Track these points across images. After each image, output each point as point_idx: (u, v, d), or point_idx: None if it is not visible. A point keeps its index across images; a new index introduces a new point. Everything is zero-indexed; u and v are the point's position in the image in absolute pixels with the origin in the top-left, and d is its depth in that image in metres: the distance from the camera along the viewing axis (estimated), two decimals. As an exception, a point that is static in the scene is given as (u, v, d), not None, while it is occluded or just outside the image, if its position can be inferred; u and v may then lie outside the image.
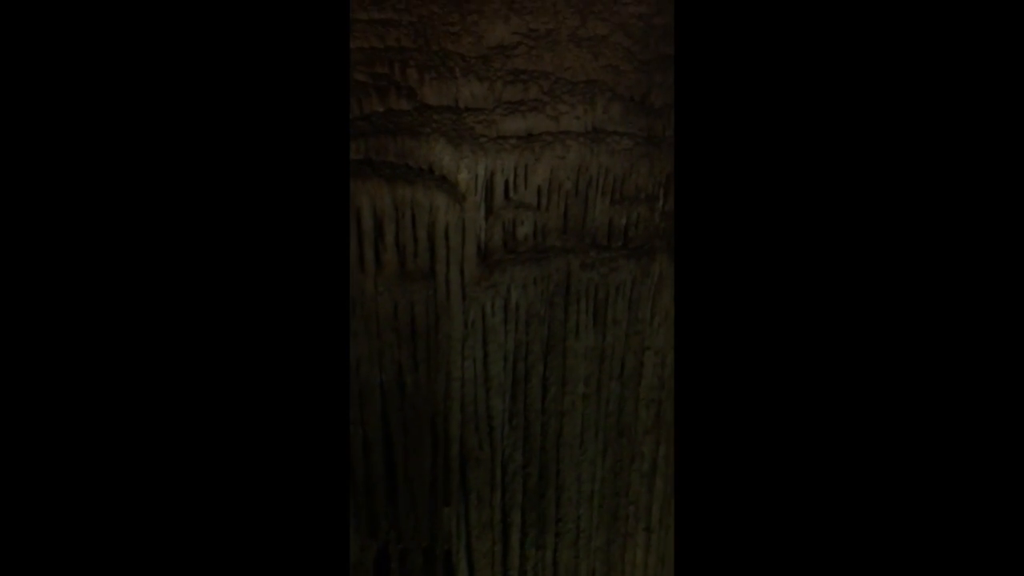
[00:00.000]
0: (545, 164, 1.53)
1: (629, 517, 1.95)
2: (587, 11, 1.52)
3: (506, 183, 1.53)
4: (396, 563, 1.77)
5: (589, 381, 1.81)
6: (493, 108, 1.47)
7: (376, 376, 1.54)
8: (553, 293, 1.65)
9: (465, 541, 1.81)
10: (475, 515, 1.81)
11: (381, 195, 1.40)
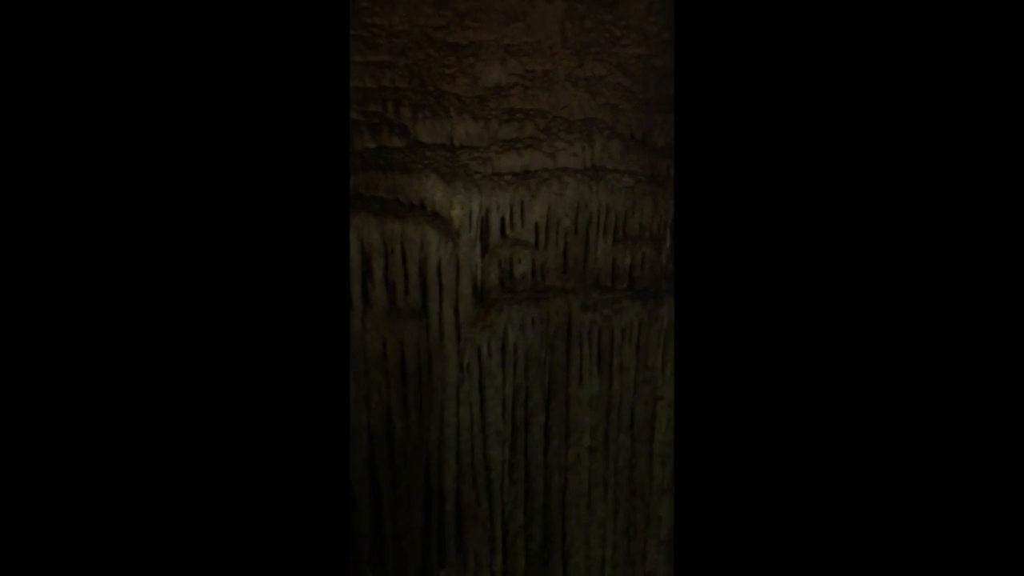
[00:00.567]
0: (542, 201, 1.48)
1: (646, 590, 1.75)
2: (584, 53, 1.52)
3: (502, 220, 1.49)
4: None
5: (595, 433, 1.68)
6: (488, 146, 1.46)
7: (363, 419, 1.47)
8: (553, 336, 1.56)
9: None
10: (473, 581, 1.66)
11: (369, 229, 1.37)
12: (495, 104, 1.46)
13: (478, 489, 1.62)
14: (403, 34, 1.44)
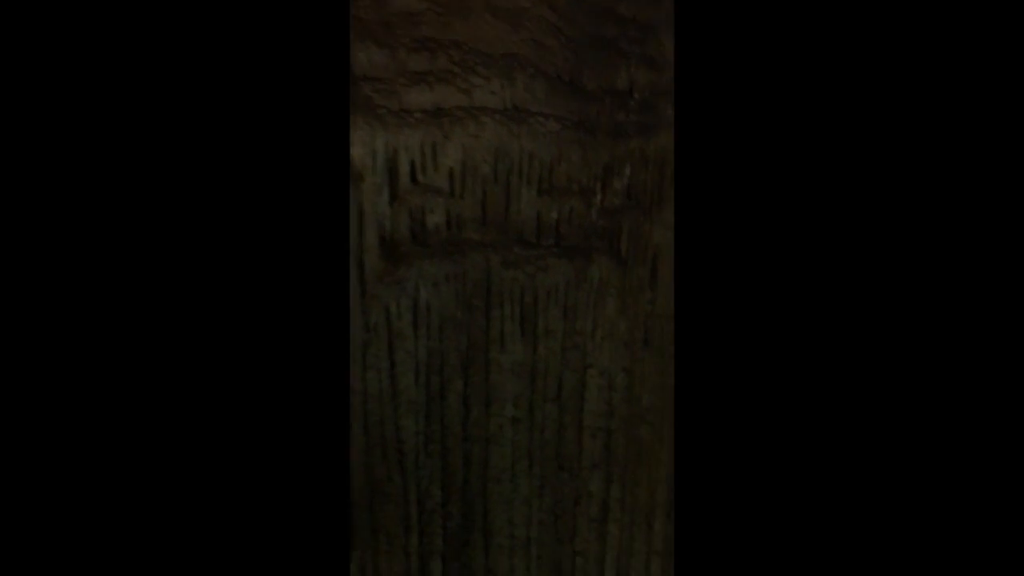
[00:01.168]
0: (457, 143, 1.33)
1: (576, 571, 1.62)
2: (507, -19, 1.37)
3: (412, 164, 1.33)
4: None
5: (519, 402, 1.53)
6: (395, 78, 1.30)
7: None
8: (471, 295, 1.42)
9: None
10: (385, 564, 1.50)
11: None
12: (403, 31, 1.29)
13: (389, 464, 1.46)
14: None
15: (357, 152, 1.27)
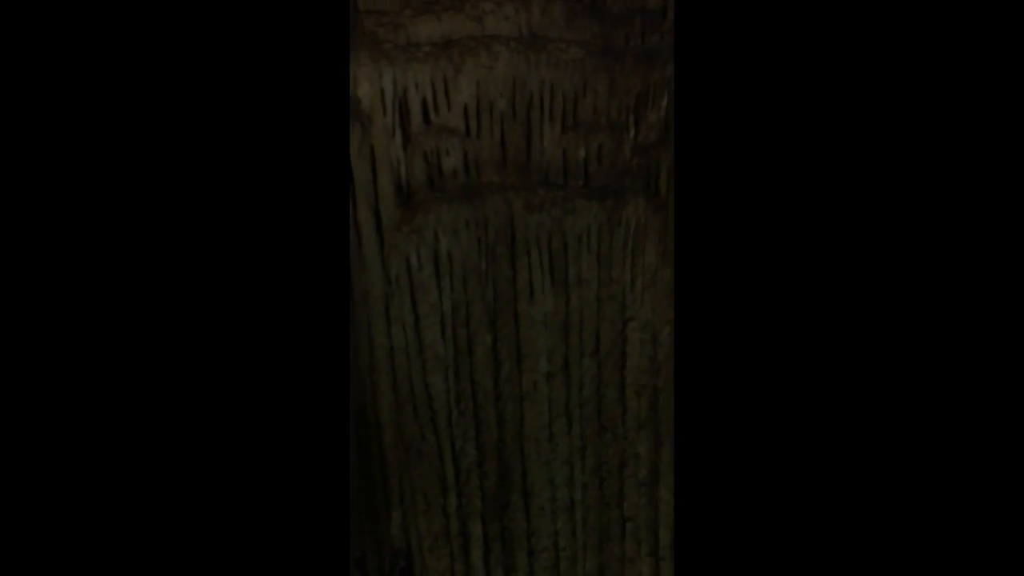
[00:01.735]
0: (469, 77, 1.23)
1: (627, 537, 1.51)
2: None
3: (424, 102, 1.24)
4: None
5: (553, 357, 1.43)
6: (400, 10, 1.21)
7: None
8: (494, 242, 1.32)
9: (417, 556, 1.46)
10: (424, 523, 1.46)
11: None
12: (407, -41, 1.21)
13: (421, 421, 1.41)
14: None
15: (364, 92, 1.20)
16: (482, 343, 1.37)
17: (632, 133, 1.34)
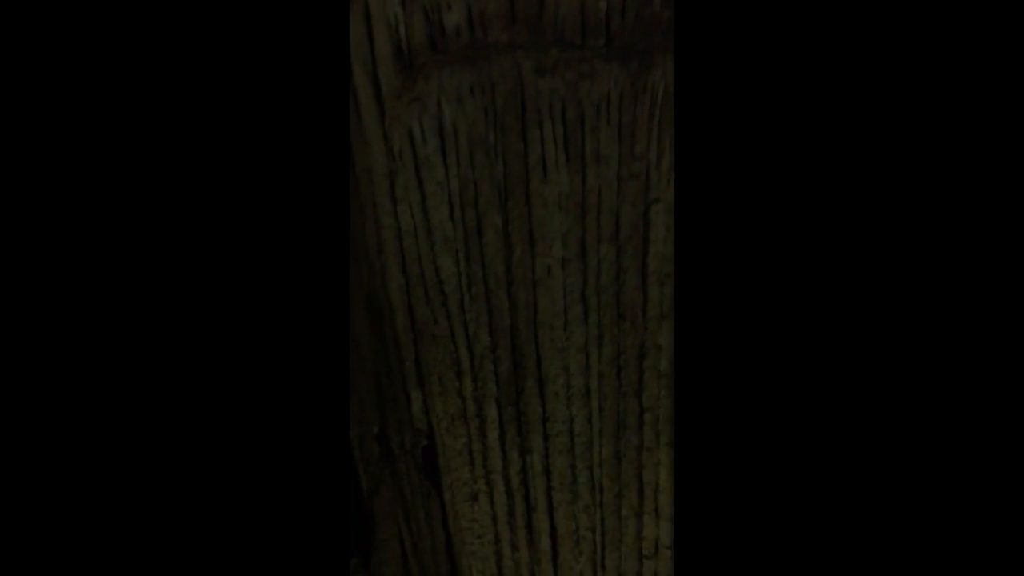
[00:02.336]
0: (469, -88, 1.06)
1: (645, 426, 1.48)
2: None
3: (420, -53, 1.09)
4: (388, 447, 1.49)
5: (568, 241, 1.34)
6: None
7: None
8: (502, 112, 1.20)
9: (437, 436, 1.49)
10: (440, 405, 1.47)
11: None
12: None
13: (433, 305, 1.38)
14: None
15: (351, -66, 1.06)
16: (492, 225, 1.29)
17: (663, -20, 1.15)
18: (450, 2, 1.12)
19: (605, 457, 1.45)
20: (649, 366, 1.45)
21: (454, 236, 1.31)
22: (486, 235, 1.30)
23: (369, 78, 1.16)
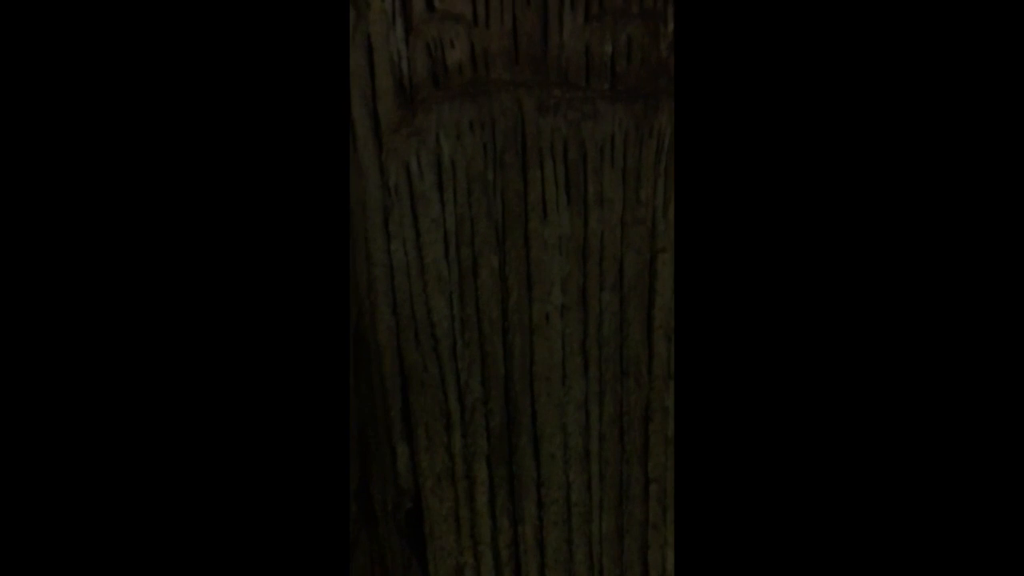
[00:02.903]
0: (476, -47, 1.08)
1: (651, 499, 1.33)
2: None
3: (426, -16, 1.10)
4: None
5: (568, 286, 1.27)
6: None
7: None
8: (502, 148, 1.17)
9: (423, 497, 1.36)
10: (427, 461, 1.35)
11: None
12: None
13: (423, 349, 1.29)
14: None
15: (358, -29, 1.08)
16: (488, 265, 1.23)
17: (670, 26, 1.13)
18: (453, 39, 1.12)
19: (606, 532, 1.29)
20: (655, 430, 1.31)
21: (448, 276, 1.25)
22: (481, 276, 1.24)
23: (368, 111, 1.15)
